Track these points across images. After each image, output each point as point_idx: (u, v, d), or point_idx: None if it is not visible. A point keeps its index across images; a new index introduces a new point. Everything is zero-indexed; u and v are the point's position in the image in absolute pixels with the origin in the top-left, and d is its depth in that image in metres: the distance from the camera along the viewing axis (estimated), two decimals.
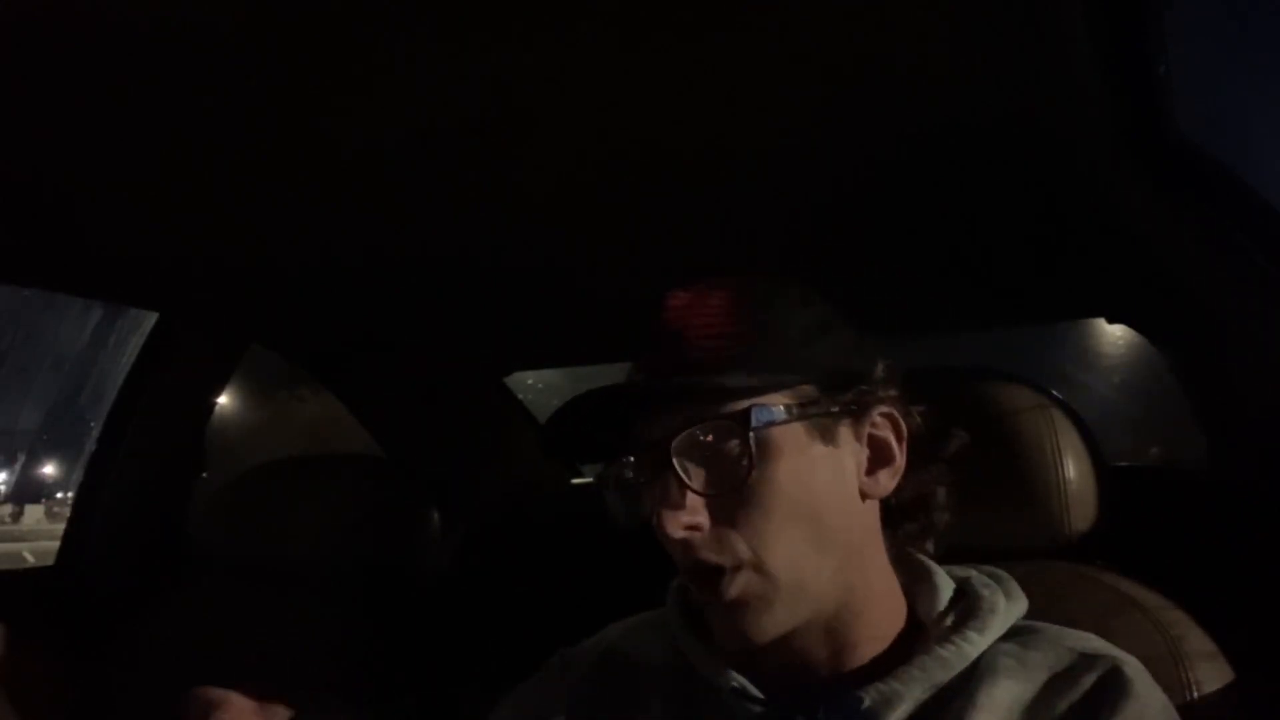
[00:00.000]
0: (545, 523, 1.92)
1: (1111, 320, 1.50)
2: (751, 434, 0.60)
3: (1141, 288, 1.23)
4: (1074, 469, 0.84)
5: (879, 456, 0.67)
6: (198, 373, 1.59)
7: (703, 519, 0.61)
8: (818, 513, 0.62)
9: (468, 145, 0.96)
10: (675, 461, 0.61)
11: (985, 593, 0.67)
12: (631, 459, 0.66)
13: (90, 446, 1.70)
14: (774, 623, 0.62)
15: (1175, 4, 0.84)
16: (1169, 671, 0.74)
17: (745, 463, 0.60)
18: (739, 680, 0.65)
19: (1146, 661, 0.65)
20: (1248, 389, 1.07)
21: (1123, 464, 1.49)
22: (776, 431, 0.61)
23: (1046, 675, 0.62)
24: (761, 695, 0.65)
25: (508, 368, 2.08)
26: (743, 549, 0.61)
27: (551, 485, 2.15)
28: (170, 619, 1.33)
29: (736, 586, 0.61)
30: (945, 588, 0.69)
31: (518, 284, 1.44)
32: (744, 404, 0.61)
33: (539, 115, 0.90)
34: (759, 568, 0.61)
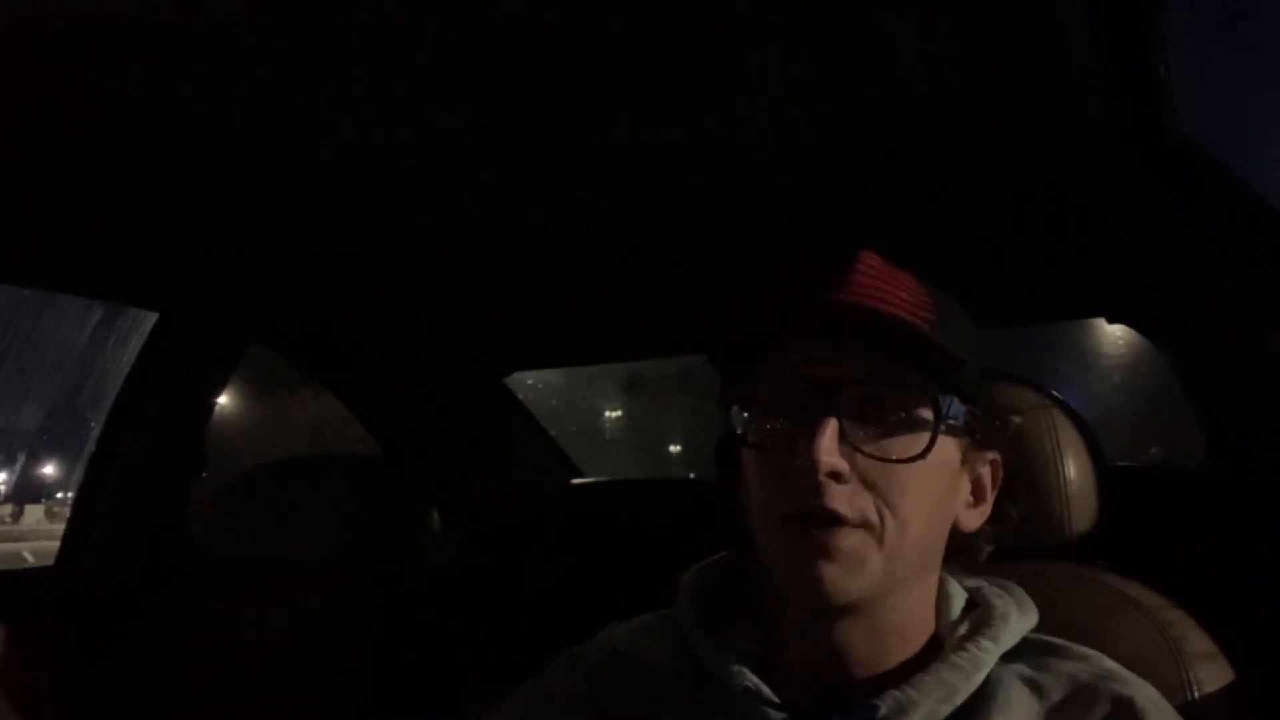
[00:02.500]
0: (545, 523, 1.92)
1: (1111, 320, 1.50)
2: (942, 422, 0.61)
3: (1141, 288, 1.23)
4: (1074, 469, 0.84)
5: (977, 495, 0.68)
6: (198, 373, 1.59)
7: (848, 470, 0.60)
8: (933, 517, 0.64)
9: (467, 145, 0.96)
10: (844, 409, 0.60)
11: (998, 603, 0.68)
12: (781, 384, 0.64)
13: (90, 446, 1.70)
14: (861, 587, 0.61)
15: (1175, 4, 0.84)
16: (1169, 671, 0.74)
17: (924, 445, 0.60)
18: (752, 680, 0.65)
19: (1147, 662, 0.65)
20: (1248, 389, 1.07)
21: (1123, 464, 1.49)
22: (946, 433, 0.62)
23: (1060, 698, 0.62)
24: (776, 698, 0.64)
25: (508, 368, 2.08)
26: (872, 512, 0.61)
27: (551, 485, 2.16)
28: (170, 619, 1.33)
29: (851, 541, 0.61)
30: (958, 596, 0.69)
31: (518, 283, 1.44)
32: (939, 390, 0.61)
33: (539, 114, 0.90)
34: (877, 534, 0.61)
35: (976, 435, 0.65)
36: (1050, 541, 0.84)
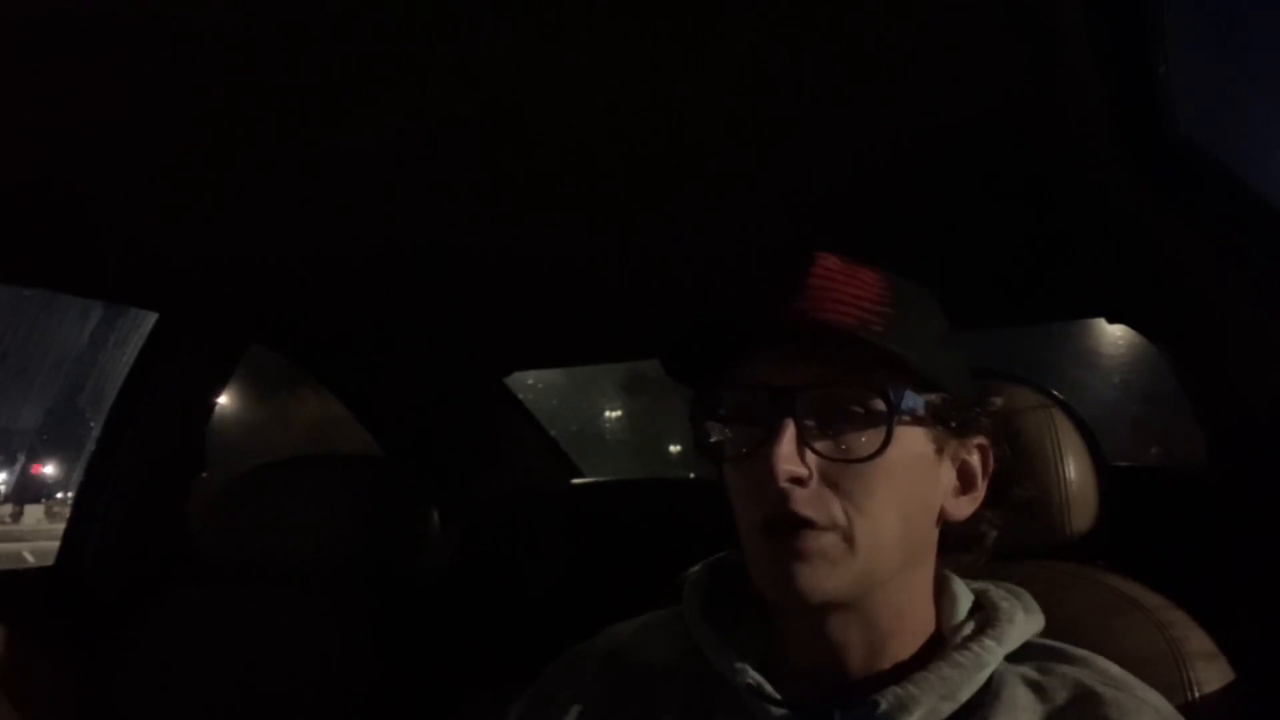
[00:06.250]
0: (545, 523, 1.92)
1: (1111, 320, 1.50)
2: (896, 416, 0.61)
3: (1141, 288, 1.23)
4: (1074, 469, 0.84)
5: (965, 483, 0.68)
6: (198, 373, 1.59)
7: (810, 475, 0.61)
8: (910, 513, 0.64)
9: (467, 144, 0.96)
10: (801, 414, 0.61)
11: (1003, 604, 0.68)
12: (742, 395, 0.65)
13: (90, 446, 1.70)
14: (838, 587, 0.62)
15: (1175, 4, 0.84)
16: (1169, 671, 0.74)
17: (880, 441, 0.61)
18: (754, 677, 0.65)
19: (1147, 661, 0.65)
20: (1248, 389, 1.07)
21: (1123, 464, 1.49)
22: (908, 425, 0.62)
23: (1064, 701, 0.62)
24: (778, 695, 0.64)
25: (508, 368, 2.08)
26: (839, 513, 0.62)
27: (551, 485, 2.15)
28: (170, 619, 1.33)
29: (821, 543, 0.62)
30: (964, 598, 0.69)
31: (518, 283, 1.44)
32: (892, 385, 0.61)
33: (538, 113, 0.90)
34: (847, 534, 0.62)
35: (951, 423, 0.65)
36: (1050, 541, 0.84)
